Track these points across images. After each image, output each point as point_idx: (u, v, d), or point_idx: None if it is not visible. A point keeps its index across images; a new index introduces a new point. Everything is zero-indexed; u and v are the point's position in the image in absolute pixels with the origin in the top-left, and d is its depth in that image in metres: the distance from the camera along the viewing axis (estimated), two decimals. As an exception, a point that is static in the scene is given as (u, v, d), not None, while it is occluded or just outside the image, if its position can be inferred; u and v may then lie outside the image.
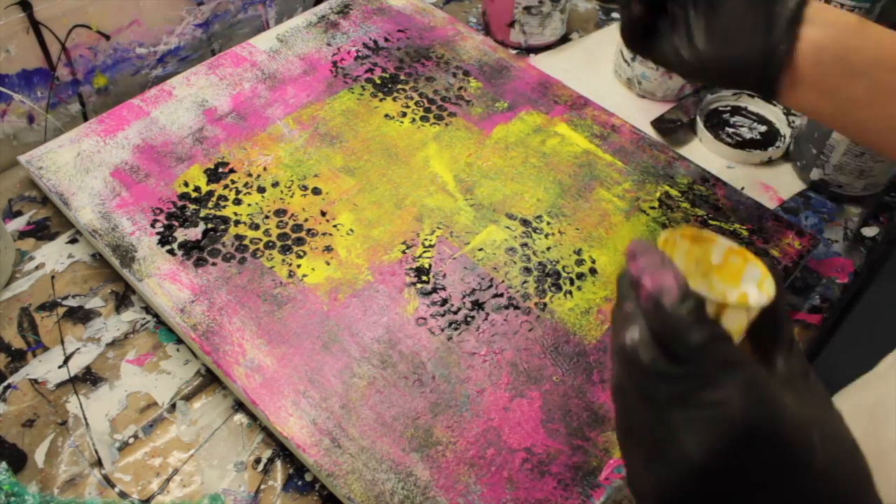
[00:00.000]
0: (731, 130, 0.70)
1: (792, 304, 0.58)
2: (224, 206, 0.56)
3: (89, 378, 0.50)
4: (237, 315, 0.50)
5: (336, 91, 0.66)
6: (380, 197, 0.58)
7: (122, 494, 0.45)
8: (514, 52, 0.76)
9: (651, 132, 0.69)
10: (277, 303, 0.51)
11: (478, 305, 0.52)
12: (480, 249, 0.55)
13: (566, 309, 0.52)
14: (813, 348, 0.60)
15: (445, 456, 0.45)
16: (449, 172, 0.60)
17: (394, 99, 0.65)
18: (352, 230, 0.55)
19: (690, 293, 0.27)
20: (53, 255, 0.56)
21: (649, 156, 0.62)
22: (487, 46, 0.71)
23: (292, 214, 0.56)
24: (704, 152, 0.68)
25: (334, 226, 0.56)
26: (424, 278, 0.53)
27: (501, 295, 0.53)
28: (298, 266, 0.53)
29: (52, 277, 0.55)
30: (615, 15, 0.83)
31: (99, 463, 0.46)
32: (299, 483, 0.46)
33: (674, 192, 0.60)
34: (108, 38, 0.65)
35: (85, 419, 0.48)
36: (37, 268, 0.55)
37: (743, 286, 0.33)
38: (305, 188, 0.58)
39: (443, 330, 0.50)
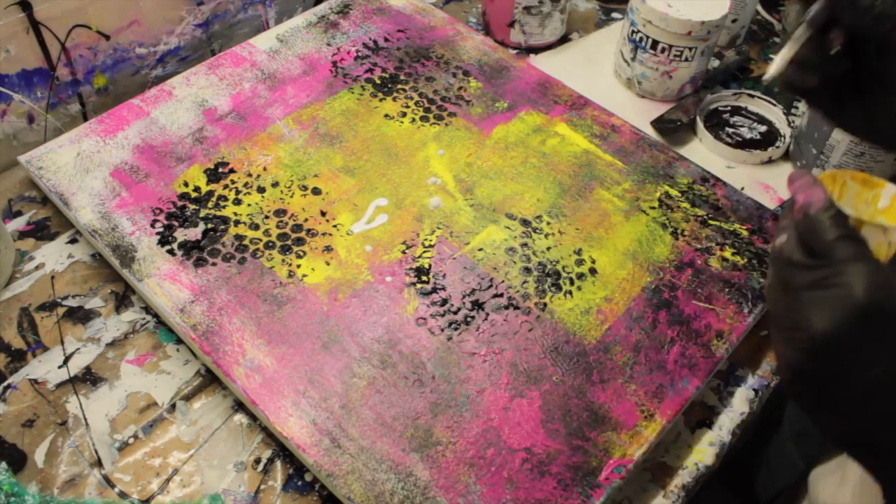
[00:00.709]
0: (731, 130, 0.70)
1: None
2: (224, 206, 0.56)
3: (89, 378, 0.50)
4: (237, 315, 0.50)
5: (336, 91, 0.66)
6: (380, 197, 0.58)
7: (122, 494, 0.45)
8: (514, 52, 0.76)
9: (651, 132, 0.69)
10: (277, 303, 0.51)
11: (478, 305, 0.52)
12: (480, 249, 0.55)
13: (566, 309, 0.52)
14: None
15: (445, 456, 0.45)
16: (449, 172, 0.60)
17: (394, 99, 0.65)
18: (350, 231, 0.55)
19: (833, 205, 0.33)
20: (53, 255, 0.56)
21: (649, 156, 0.62)
22: (487, 46, 0.71)
23: (292, 214, 0.56)
24: (704, 152, 0.68)
25: (334, 226, 0.56)
26: (424, 278, 0.53)
27: (501, 295, 0.53)
28: (298, 266, 0.53)
29: (52, 277, 0.55)
30: (615, 15, 0.83)
31: (99, 463, 0.46)
32: (299, 483, 0.46)
33: (674, 192, 0.60)
34: (108, 38, 0.65)
35: (85, 419, 0.48)
36: (37, 268, 0.55)
37: None
38: (305, 188, 0.58)
39: (443, 330, 0.50)
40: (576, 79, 0.73)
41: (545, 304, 0.52)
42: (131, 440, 0.47)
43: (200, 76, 0.66)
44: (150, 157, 0.59)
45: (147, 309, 0.53)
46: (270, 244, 0.54)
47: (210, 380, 0.50)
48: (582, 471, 0.45)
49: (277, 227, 0.55)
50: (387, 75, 0.67)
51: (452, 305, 0.52)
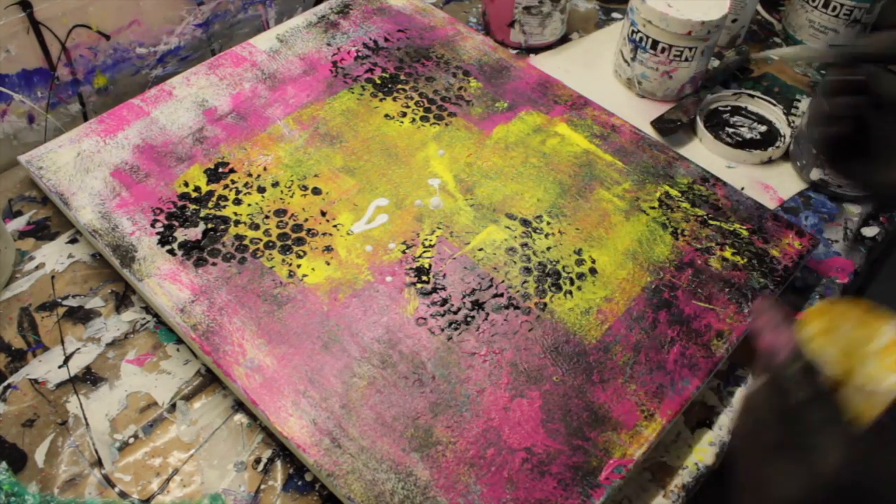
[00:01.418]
0: (731, 130, 0.70)
1: (792, 303, 0.58)
2: (224, 206, 0.56)
3: (89, 378, 0.50)
4: (237, 315, 0.50)
5: (336, 91, 0.66)
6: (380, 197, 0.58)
7: (122, 494, 0.45)
8: (514, 52, 0.76)
9: (651, 132, 0.69)
10: (277, 303, 0.51)
11: (478, 305, 0.52)
12: (480, 249, 0.55)
13: (566, 309, 0.52)
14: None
15: (445, 456, 0.45)
16: (449, 172, 0.60)
17: (394, 99, 0.65)
18: (350, 231, 0.55)
19: (801, 356, 0.29)
20: (53, 255, 0.56)
21: (649, 156, 0.62)
22: (487, 46, 0.71)
23: (292, 214, 0.56)
24: (704, 152, 0.68)
25: (334, 226, 0.56)
26: (424, 278, 0.53)
27: (501, 295, 0.53)
28: (298, 266, 0.53)
29: (52, 277, 0.55)
30: (615, 15, 0.83)
31: (99, 463, 0.46)
32: (299, 483, 0.46)
33: (674, 192, 0.60)
34: (108, 38, 0.65)
35: (85, 419, 0.48)
36: (37, 268, 0.55)
37: None
38: (305, 188, 0.58)
39: (443, 330, 0.50)
40: (576, 79, 0.73)
41: (545, 304, 0.52)
42: (131, 440, 0.47)
43: (200, 76, 0.66)
44: (150, 157, 0.59)
45: (147, 309, 0.53)
46: (270, 244, 0.54)
47: (210, 380, 0.50)
48: (582, 471, 0.45)
49: (277, 227, 0.55)
50: (387, 75, 0.67)
51: (452, 305, 0.52)
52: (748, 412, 0.32)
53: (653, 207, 0.59)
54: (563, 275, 0.54)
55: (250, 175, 0.59)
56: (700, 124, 0.69)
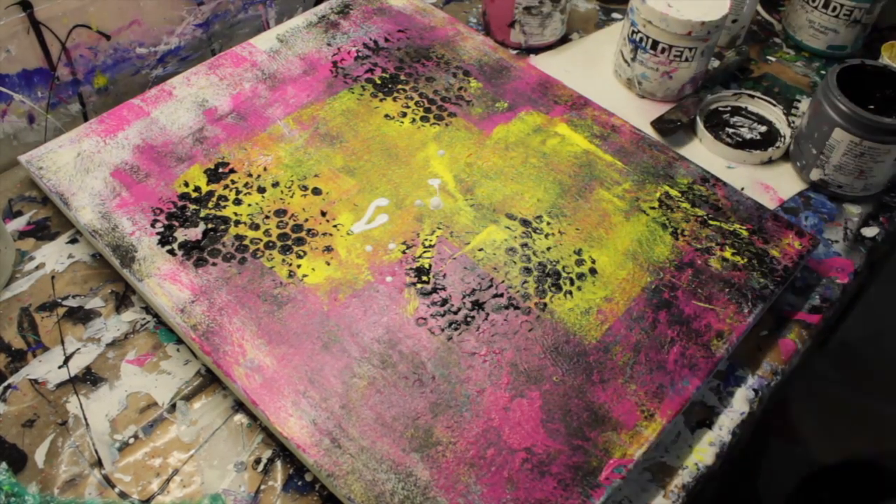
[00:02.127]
0: (731, 131, 0.70)
1: (792, 303, 0.58)
2: (224, 207, 0.56)
3: (89, 378, 0.50)
4: (237, 315, 0.50)
5: (336, 91, 0.66)
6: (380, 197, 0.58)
7: (123, 495, 0.45)
8: (514, 52, 0.76)
9: (651, 132, 0.69)
10: (277, 303, 0.51)
11: (478, 305, 0.52)
12: (480, 249, 0.55)
13: (566, 309, 0.52)
14: (813, 348, 0.60)
15: (445, 456, 0.45)
16: (449, 172, 0.60)
17: (394, 99, 0.65)
18: (351, 231, 0.55)
19: None
20: (53, 255, 0.56)
21: (649, 156, 0.62)
22: (487, 46, 0.71)
23: (292, 214, 0.56)
24: (704, 152, 0.68)
25: (334, 226, 0.56)
26: (424, 278, 0.53)
27: (501, 295, 0.53)
28: (298, 266, 0.53)
29: (52, 277, 0.55)
30: (615, 15, 0.83)
31: (99, 463, 0.46)
32: (299, 483, 0.46)
33: (674, 192, 0.60)
34: (108, 38, 0.65)
35: (85, 419, 0.48)
36: (37, 268, 0.55)
37: None
38: (305, 188, 0.58)
39: (443, 330, 0.50)
40: (576, 79, 0.73)
41: (545, 304, 0.52)
42: (131, 440, 0.47)
43: (201, 76, 0.66)
44: (150, 157, 0.59)
45: (147, 309, 0.53)
46: (271, 244, 0.54)
47: (210, 380, 0.50)
48: (582, 471, 0.45)
49: (278, 227, 0.55)
50: (387, 75, 0.67)
51: (452, 305, 0.52)
52: None
53: (653, 208, 0.59)
54: (563, 275, 0.54)
55: (250, 175, 0.59)
56: (700, 125, 0.69)
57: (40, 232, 0.58)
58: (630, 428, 0.46)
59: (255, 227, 0.55)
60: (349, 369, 0.48)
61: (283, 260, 0.53)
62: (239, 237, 0.55)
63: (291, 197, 0.57)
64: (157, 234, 0.54)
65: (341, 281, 0.53)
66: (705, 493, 0.50)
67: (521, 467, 0.45)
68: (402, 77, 0.67)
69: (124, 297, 0.54)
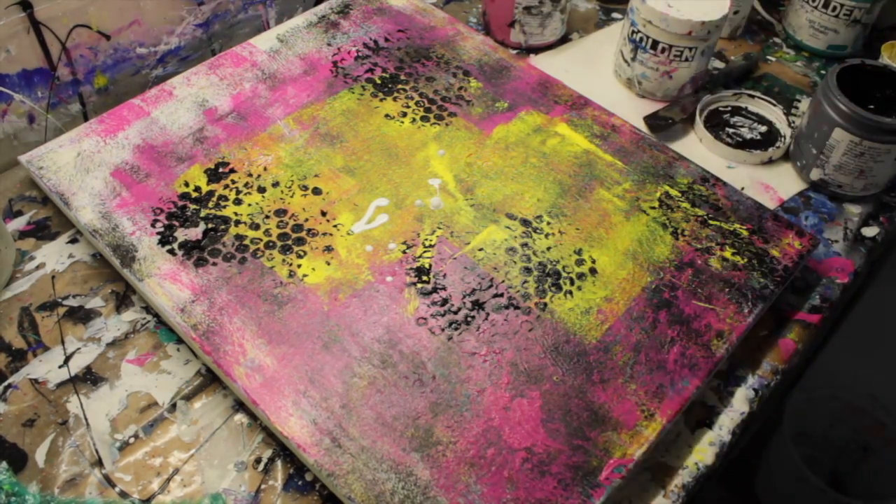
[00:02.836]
0: (731, 130, 0.70)
1: (792, 303, 0.58)
2: (224, 206, 0.56)
3: (90, 378, 0.50)
4: (237, 315, 0.50)
5: (336, 91, 0.66)
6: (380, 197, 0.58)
7: (123, 494, 0.45)
8: (515, 52, 0.76)
9: (645, 128, 0.69)
10: (278, 303, 0.51)
11: (478, 305, 0.52)
12: (481, 249, 0.55)
13: (566, 309, 0.52)
14: (813, 348, 0.60)
15: (446, 456, 0.45)
16: (449, 172, 0.60)
17: (394, 99, 0.65)
18: (351, 231, 0.55)
19: None
20: (54, 255, 0.56)
21: (649, 156, 0.62)
22: (487, 46, 0.71)
23: (292, 214, 0.56)
24: (704, 152, 0.69)
25: (335, 226, 0.56)
26: (425, 278, 0.53)
27: (501, 295, 0.53)
28: (299, 266, 0.53)
29: (53, 277, 0.55)
30: (615, 15, 0.83)
31: (99, 463, 0.46)
32: (300, 483, 0.46)
33: (674, 192, 0.60)
34: (108, 38, 0.65)
35: (85, 419, 0.48)
36: (37, 268, 0.55)
37: None
38: (306, 188, 0.58)
39: (443, 330, 0.50)
40: (576, 79, 0.73)
41: (545, 304, 0.52)
42: (132, 440, 0.47)
43: (201, 76, 0.66)
44: (150, 157, 0.59)
45: (147, 309, 0.53)
46: (271, 244, 0.54)
47: (210, 379, 0.50)
48: (582, 470, 0.45)
49: (278, 226, 0.55)
50: (387, 75, 0.68)
51: (453, 305, 0.52)
52: None
53: (653, 207, 0.59)
54: (564, 275, 0.54)
55: (250, 175, 0.59)
56: (700, 124, 0.69)
57: (40, 232, 0.58)
58: (630, 428, 0.47)
59: (256, 226, 0.55)
60: (349, 369, 0.48)
61: (284, 260, 0.53)
62: (239, 237, 0.55)
63: (291, 197, 0.57)
64: (158, 233, 0.54)
65: (341, 281, 0.53)
66: (705, 493, 0.50)
67: (521, 467, 0.45)
68: (403, 77, 0.67)
69: (124, 296, 0.54)
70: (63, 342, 0.51)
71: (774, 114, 0.71)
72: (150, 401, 0.49)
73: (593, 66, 0.76)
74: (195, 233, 0.55)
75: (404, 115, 0.64)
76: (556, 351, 0.50)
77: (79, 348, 0.51)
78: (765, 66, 0.78)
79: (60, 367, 0.50)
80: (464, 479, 0.44)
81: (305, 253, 0.54)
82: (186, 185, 0.58)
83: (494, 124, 0.64)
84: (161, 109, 0.63)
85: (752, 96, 0.72)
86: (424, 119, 0.64)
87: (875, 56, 0.74)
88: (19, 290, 0.54)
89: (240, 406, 0.49)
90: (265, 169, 0.59)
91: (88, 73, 0.65)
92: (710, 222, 0.58)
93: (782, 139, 0.69)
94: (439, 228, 0.56)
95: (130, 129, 0.61)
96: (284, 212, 0.56)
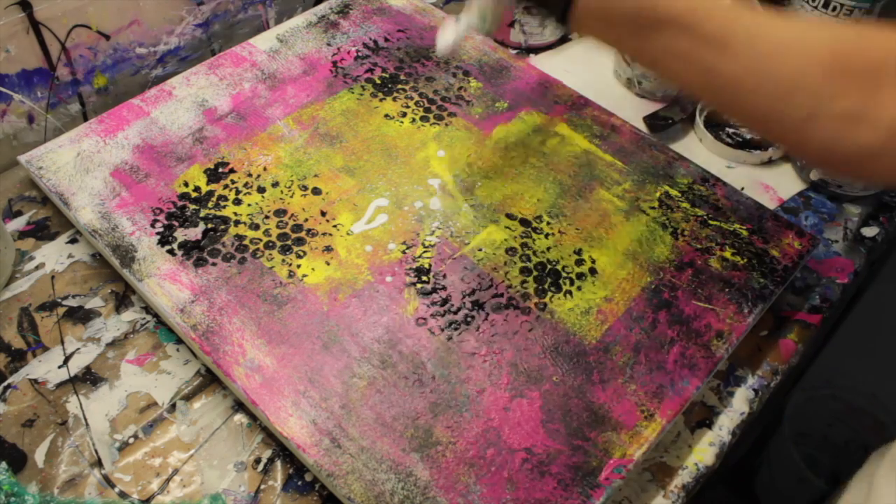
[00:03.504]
0: (731, 130, 0.70)
1: (792, 304, 0.58)
2: (224, 206, 0.56)
3: (89, 378, 0.50)
4: (237, 315, 0.50)
5: (336, 91, 0.66)
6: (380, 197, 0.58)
7: (122, 494, 0.45)
8: (514, 52, 0.76)
9: (645, 128, 0.69)
10: (277, 303, 0.51)
11: (478, 305, 0.52)
12: (480, 249, 0.55)
13: (566, 309, 0.52)
14: (813, 348, 0.60)
15: (445, 456, 0.45)
16: (449, 172, 0.60)
17: (394, 99, 0.65)
18: (350, 231, 0.55)
19: None
20: (53, 255, 0.56)
21: (649, 156, 0.62)
22: (487, 46, 0.71)
23: (292, 214, 0.56)
24: (704, 152, 0.68)
25: (334, 226, 0.56)
26: (424, 278, 0.53)
27: (501, 295, 0.53)
28: (298, 266, 0.53)
29: (52, 277, 0.55)
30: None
31: (99, 463, 0.46)
32: (299, 483, 0.46)
33: (674, 192, 0.60)
34: (108, 38, 0.65)
35: (85, 419, 0.48)
36: (37, 268, 0.55)
37: None
38: (305, 188, 0.58)
39: (443, 330, 0.50)
40: (576, 79, 0.73)
41: (545, 304, 0.52)
42: (131, 440, 0.47)
43: (200, 76, 0.66)
44: (150, 157, 0.59)
45: (147, 309, 0.53)
46: (270, 244, 0.54)
47: (210, 380, 0.50)
48: (582, 471, 0.45)
49: (277, 227, 0.55)
50: (387, 75, 0.67)
51: (452, 305, 0.52)
52: None
53: (653, 207, 0.59)
54: (563, 275, 0.54)
55: (250, 175, 0.59)
56: (700, 124, 0.69)
57: (40, 232, 0.58)
58: (630, 428, 0.46)
59: (255, 227, 0.55)
60: (349, 369, 0.48)
61: (283, 260, 0.53)
62: (239, 237, 0.55)
63: (291, 197, 0.57)
64: (157, 234, 0.54)
65: (341, 281, 0.53)
66: (705, 493, 0.50)
67: (520, 467, 0.45)
68: (402, 77, 0.67)
69: (124, 296, 0.54)
70: (63, 342, 0.51)
71: (774, 114, 0.71)
72: (149, 401, 0.49)
73: (593, 66, 0.76)
74: (195, 233, 0.54)
75: (404, 115, 0.64)
76: (555, 351, 0.50)
77: (78, 348, 0.51)
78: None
79: (60, 367, 0.50)
80: (463, 479, 0.44)
81: (305, 253, 0.54)
82: (186, 185, 0.58)
83: (494, 124, 0.64)
84: (161, 109, 0.63)
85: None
86: (424, 119, 0.64)
87: (875, 56, 0.74)
88: (19, 291, 0.54)
89: (239, 406, 0.49)
90: (265, 169, 0.59)
91: (88, 73, 0.65)
92: (710, 222, 0.58)
93: (782, 139, 0.69)
94: (439, 228, 0.56)
95: (130, 129, 0.61)
96: (284, 212, 0.56)
